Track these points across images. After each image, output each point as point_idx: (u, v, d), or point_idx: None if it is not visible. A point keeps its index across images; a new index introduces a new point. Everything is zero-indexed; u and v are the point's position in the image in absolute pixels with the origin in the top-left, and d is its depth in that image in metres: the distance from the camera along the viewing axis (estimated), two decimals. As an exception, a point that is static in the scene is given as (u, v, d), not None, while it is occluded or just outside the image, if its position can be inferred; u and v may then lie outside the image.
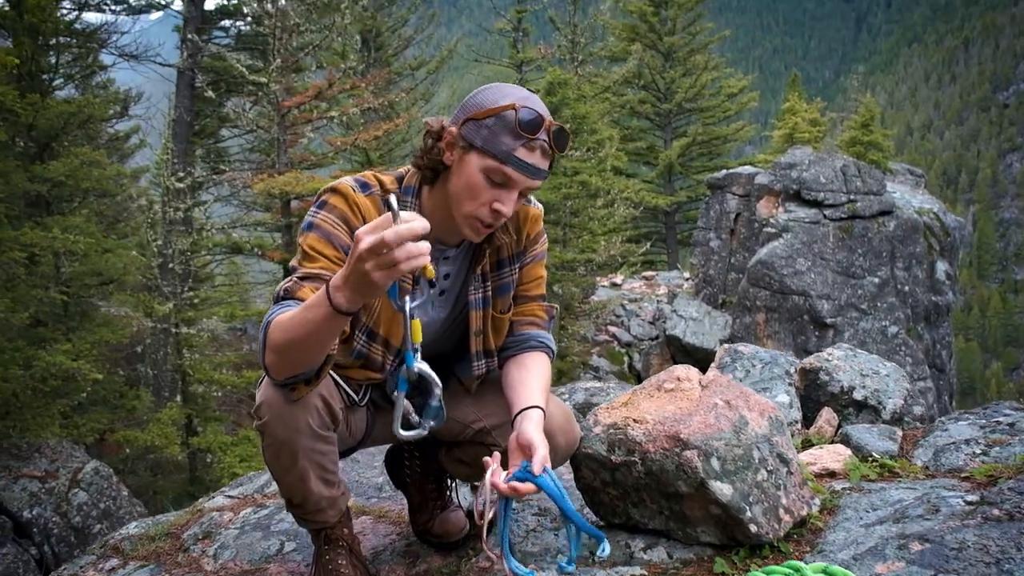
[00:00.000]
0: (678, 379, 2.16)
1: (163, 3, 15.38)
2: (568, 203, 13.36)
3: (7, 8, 11.23)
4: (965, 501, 1.87)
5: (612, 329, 16.48)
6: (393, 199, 1.32)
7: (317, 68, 15.67)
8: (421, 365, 1.51)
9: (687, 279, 18.90)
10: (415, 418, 1.61)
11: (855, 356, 2.99)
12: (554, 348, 1.99)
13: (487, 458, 1.70)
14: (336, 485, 1.94)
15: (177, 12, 15.09)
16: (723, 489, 1.85)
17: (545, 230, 2.03)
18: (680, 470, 1.88)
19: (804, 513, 1.97)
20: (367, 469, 3.06)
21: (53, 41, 12.08)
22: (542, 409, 1.78)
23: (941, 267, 16.03)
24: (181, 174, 13.17)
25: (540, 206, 1.99)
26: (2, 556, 7.33)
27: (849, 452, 2.45)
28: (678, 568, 1.90)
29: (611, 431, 2.03)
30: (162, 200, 13.48)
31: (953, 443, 2.41)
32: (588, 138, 13.94)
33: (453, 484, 2.34)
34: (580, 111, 13.68)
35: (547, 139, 1.65)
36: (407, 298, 1.45)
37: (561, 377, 12.95)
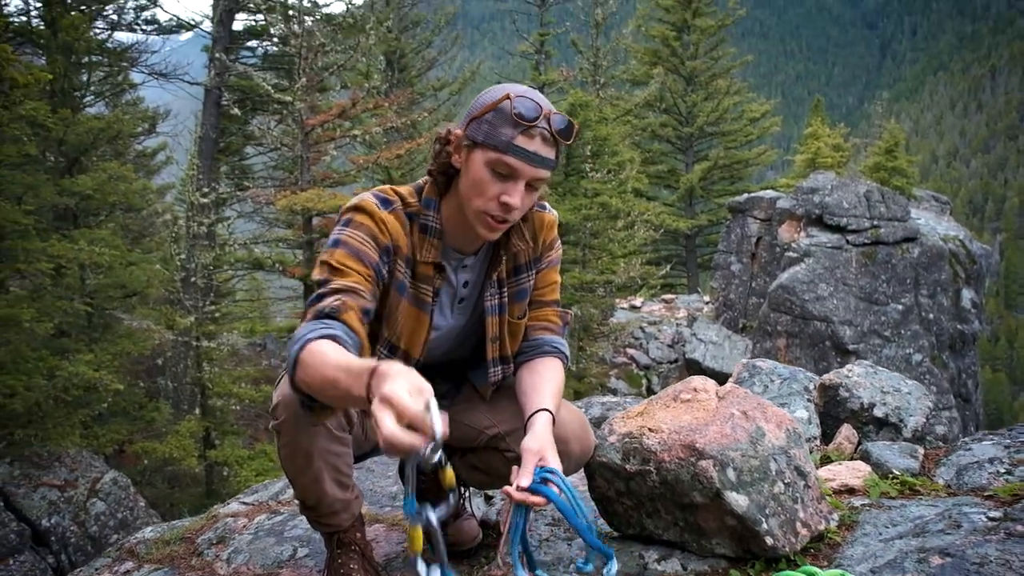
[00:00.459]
0: (694, 389, 2.14)
1: (193, 23, 15.72)
2: (588, 224, 13.39)
3: (42, 27, 11.55)
4: (988, 517, 1.83)
5: (630, 351, 16.41)
6: (434, 405, 1.25)
7: (341, 88, 15.93)
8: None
9: (707, 303, 18.80)
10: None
11: (876, 373, 2.95)
12: (568, 353, 1.98)
13: (516, 467, 1.69)
14: (350, 488, 1.94)
15: (206, 32, 15.41)
16: (739, 500, 1.83)
17: (561, 245, 2.04)
18: (695, 480, 1.86)
19: (822, 527, 1.94)
20: (381, 478, 3.06)
21: (85, 59, 12.43)
22: (551, 413, 1.77)
23: (967, 295, 15.82)
24: (206, 190, 13.36)
25: (555, 212, 2.00)
26: (20, 563, 7.38)
27: (869, 469, 2.41)
28: (692, 580, 1.88)
29: (626, 440, 2.01)
30: (186, 215, 13.68)
31: (976, 462, 2.37)
32: (609, 160, 13.99)
33: (467, 493, 2.33)
34: (601, 133, 13.75)
35: (547, 127, 1.65)
36: (430, 510, 1.37)
37: (578, 397, 12.88)
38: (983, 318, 17.06)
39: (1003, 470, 2.27)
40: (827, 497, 2.07)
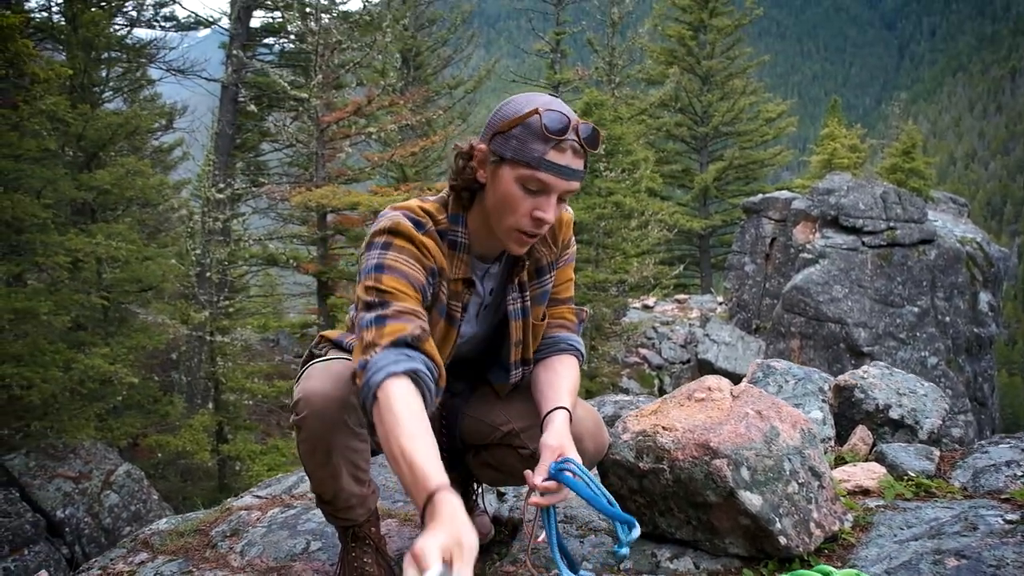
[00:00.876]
0: (709, 388, 2.13)
1: (211, 20, 15.80)
2: (602, 223, 13.36)
3: (63, 23, 11.66)
4: (1005, 520, 1.82)
5: (643, 351, 16.37)
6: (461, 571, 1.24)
7: (357, 85, 15.98)
8: None
9: (720, 303, 18.72)
10: None
11: (891, 375, 2.93)
12: (583, 351, 1.98)
13: (527, 471, 1.68)
14: (367, 484, 1.95)
15: (224, 29, 15.49)
16: (752, 499, 1.82)
17: (576, 243, 2.03)
18: (709, 479, 1.86)
19: (836, 528, 1.93)
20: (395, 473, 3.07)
21: (105, 55, 12.53)
22: (568, 410, 1.77)
23: (984, 298, 15.66)
24: (221, 185, 13.45)
25: (571, 211, 1.99)
26: (35, 554, 7.46)
27: (884, 471, 2.39)
28: (705, 579, 1.87)
29: (640, 438, 2.01)
30: (202, 211, 13.77)
31: (993, 465, 2.35)
32: (623, 159, 13.95)
33: (479, 489, 2.33)
34: (616, 132, 13.71)
35: (576, 138, 1.63)
36: None
37: (590, 397, 12.87)
38: (1000, 321, 16.89)
39: (1020, 473, 2.26)
40: (841, 498, 2.06)
